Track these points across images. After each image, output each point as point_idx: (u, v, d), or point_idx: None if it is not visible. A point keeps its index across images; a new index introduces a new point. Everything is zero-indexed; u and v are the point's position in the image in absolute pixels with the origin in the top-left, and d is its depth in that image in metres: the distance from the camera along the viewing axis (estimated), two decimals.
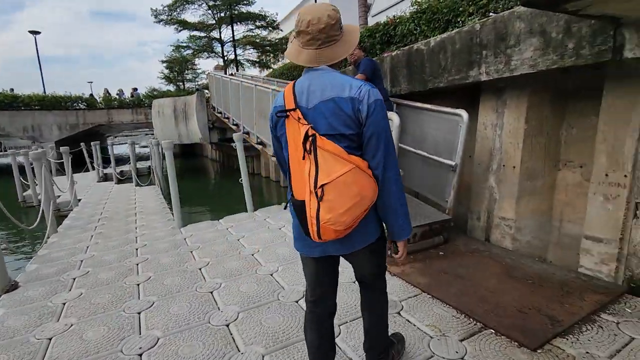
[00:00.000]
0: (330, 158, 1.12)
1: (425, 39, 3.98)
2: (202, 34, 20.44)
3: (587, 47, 2.35)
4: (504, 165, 3.31)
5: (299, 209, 1.22)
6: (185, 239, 4.23)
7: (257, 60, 21.72)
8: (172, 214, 5.08)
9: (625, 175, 2.47)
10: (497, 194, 3.40)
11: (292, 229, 1.42)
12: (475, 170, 3.64)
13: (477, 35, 3.12)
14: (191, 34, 20.03)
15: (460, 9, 3.93)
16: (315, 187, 1.12)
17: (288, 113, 1.20)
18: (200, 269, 3.24)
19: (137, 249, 3.98)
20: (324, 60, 1.22)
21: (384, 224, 1.34)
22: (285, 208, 1.41)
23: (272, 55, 20.80)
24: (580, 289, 2.45)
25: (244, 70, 21.57)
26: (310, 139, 1.13)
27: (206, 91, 13.86)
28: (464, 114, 3.13)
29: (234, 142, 5.11)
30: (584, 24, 2.34)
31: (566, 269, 2.79)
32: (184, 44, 20.56)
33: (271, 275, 2.99)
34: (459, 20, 3.93)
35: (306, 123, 1.16)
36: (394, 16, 5.51)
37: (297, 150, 1.18)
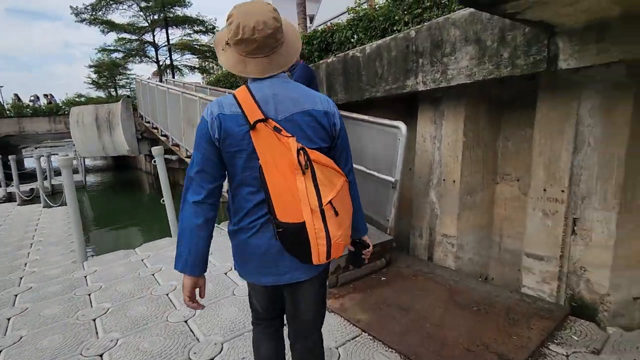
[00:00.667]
0: (327, 171, 1.06)
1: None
2: (133, 37, 18.88)
3: (522, 56, 2.22)
4: (444, 180, 3.15)
5: (292, 233, 1.06)
6: (86, 276, 3.48)
7: (198, 66, 20.60)
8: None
9: (563, 190, 2.38)
10: (438, 210, 3.22)
11: (238, 257, 1.19)
12: (415, 184, 3.45)
13: (412, 42, 2.93)
14: (120, 37, 18.38)
15: (396, 17, 3.79)
16: (320, 204, 1.02)
17: (257, 124, 1.03)
18: (94, 320, 2.58)
19: (16, 296, 3.15)
20: (276, 68, 1.10)
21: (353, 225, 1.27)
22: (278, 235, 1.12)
23: (214, 61, 19.84)
24: (526, 315, 2.28)
25: (182, 76, 20.31)
26: (302, 152, 1.01)
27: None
28: (402, 126, 2.90)
29: (170, 155, 4.42)
30: (518, 32, 2.21)
31: (509, 289, 2.65)
32: (111, 47, 18.77)
33: (185, 322, 2.45)
34: (395, 29, 3.78)
35: (289, 135, 1.03)
36: (331, 23, 5.29)
37: (282, 166, 1.02)
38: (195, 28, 19.02)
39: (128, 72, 24.21)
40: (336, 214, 1.05)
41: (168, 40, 18.31)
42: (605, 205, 2.23)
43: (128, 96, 14.37)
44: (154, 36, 18.95)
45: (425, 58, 2.83)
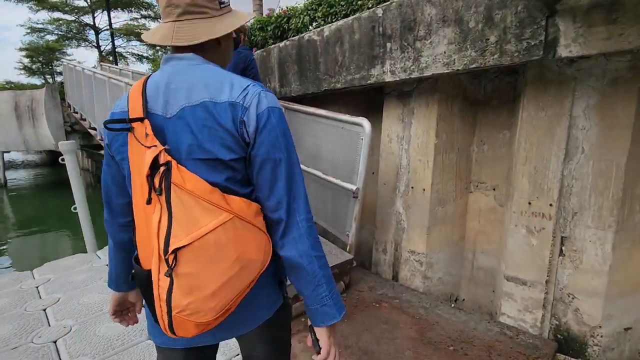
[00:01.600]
0: (192, 203, 0.69)
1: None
2: (70, 18, 16.90)
3: (512, 41, 1.81)
4: (412, 187, 2.71)
5: (143, 283, 0.76)
6: None
7: (147, 55, 18.95)
8: None
9: (551, 204, 2.02)
10: (405, 222, 2.78)
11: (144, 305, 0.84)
12: (379, 191, 2.99)
13: (379, 24, 2.45)
14: (52, 16, 16.34)
15: (360, 2, 3.30)
16: (165, 251, 0.67)
17: (131, 125, 0.74)
18: None
19: None
20: (181, 36, 0.77)
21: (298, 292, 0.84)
22: (131, 278, 0.83)
23: (165, 50, 18.32)
24: (510, 355, 1.88)
25: (127, 64, 18.52)
26: (162, 169, 0.69)
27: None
28: (365, 123, 2.40)
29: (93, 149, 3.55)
30: (509, 11, 1.80)
31: (487, 319, 2.26)
32: (40, 27, 16.62)
33: None
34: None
35: (155, 143, 0.71)
36: (286, 7, 4.72)
37: (142, 188, 0.72)
38: (143, 12, 17.49)
39: (67, 57, 21.78)
40: (168, 273, 0.69)
41: (110, 23, 16.60)
42: (600, 223, 1.89)
43: (61, 83, 12.60)
44: (94, 18, 17.11)
45: (395, 42, 2.36)
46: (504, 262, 2.28)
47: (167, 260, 0.68)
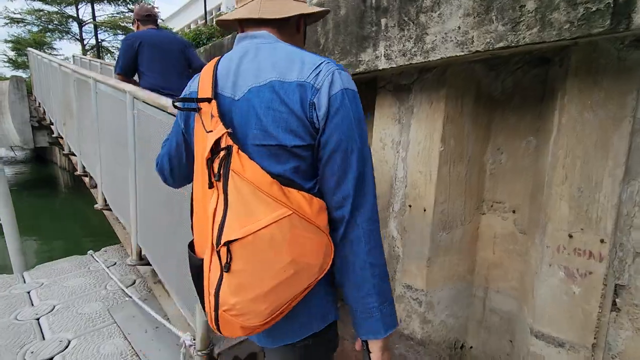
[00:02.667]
0: (250, 193, 0.64)
1: None
2: (51, 9, 16.10)
3: (562, 6, 1.25)
4: (409, 206, 2.14)
5: (195, 272, 0.73)
6: None
7: None
8: None
9: (602, 240, 1.46)
10: (400, 249, 2.21)
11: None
12: None
13: None
14: (32, 7, 15.52)
15: None
16: (218, 241, 0.63)
17: (199, 105, 0.71)
18: None
19: None
20: (268, 9, 0.75)
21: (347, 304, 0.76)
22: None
23: None
24: None
25: (113, 59, 17.74)
26: (223, 154, 0.64)
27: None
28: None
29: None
30: None
31: None
32: (18, 17, 15.79)
33: None
34: None
35: (219, 125, 0.66)
36: None
37: (202, 172, 0.69)
38: (130, 6, 16.72)
39: (55, 51, 20.89)
40: (227, 268, 0.62)
41: (94, 15, 15.85)
42: None
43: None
44: (77, 10, 16.33)
45: (392, 17, 1.80)
46: (531, 312, 1.72)
47: (218, 253, 0.64)
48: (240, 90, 0.70)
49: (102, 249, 3.41)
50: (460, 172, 2.06)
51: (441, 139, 1.97)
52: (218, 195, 0.65)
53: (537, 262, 1.71)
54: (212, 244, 0.64)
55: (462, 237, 2.13)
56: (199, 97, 0.70)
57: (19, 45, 18.75)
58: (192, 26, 20.06)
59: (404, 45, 1.76)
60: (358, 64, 2.02)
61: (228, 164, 0.64)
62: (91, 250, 3.34)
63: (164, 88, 2.24)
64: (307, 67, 0.67)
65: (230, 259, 0.62)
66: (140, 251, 2.18)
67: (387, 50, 1.85)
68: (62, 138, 4.87)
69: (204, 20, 16.16)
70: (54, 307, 2.29)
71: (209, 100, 0.68)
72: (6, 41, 19.07)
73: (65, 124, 4.26)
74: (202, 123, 0.69)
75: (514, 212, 2.01)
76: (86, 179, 3.61)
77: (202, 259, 0.68)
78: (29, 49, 8.32)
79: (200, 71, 0.78)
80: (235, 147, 0.64)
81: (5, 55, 20.31)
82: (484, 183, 2.14)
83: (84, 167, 3.60)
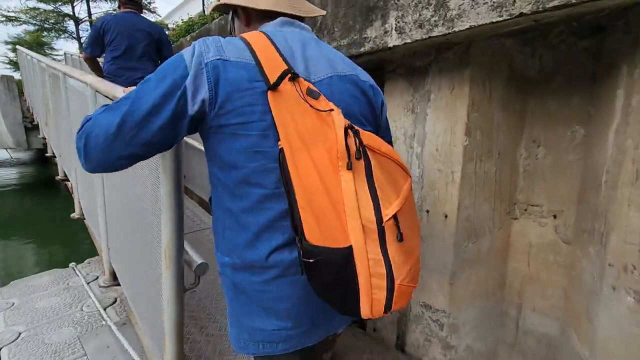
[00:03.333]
0: (389, 165, 0.68)
1: None
2: (47, 7, 15.83)
3: None
4: (427, 211, 1.81)
5: (329, 267, 0.65)
6: None
7: None
8: None
9: None
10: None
11: (247, 312, 0.76)
12: None
13: None
14: (29, 6, 15.26)
15: None
16: (379, 219, 0.63)
17: (281, 81, 0.66)
18: None
19: None
20: (300, 7, 0.83)
21: None
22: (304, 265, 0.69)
23: None
24: None
25: None
26: (351, 132, 0.65)
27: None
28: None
29: None
30: None
31: None
32: (13, 15, 15.52)
33: None
34: None
35: (332, 106, 0.67)
36: None
37: (318, 152, 0.65)
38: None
39: (55, 51, 20.67)
40: (400, 237, 0.64)
41: (89, 13, 15.55)
42: None
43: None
44: (73, 8, 16.04)
45: None
46: (586, 342, 1.39)
47: (381, 230, 0.63)
48: (316, 74, 0.73)
49: (86, 260, 3.12)
50: (488, 170, 1.72)
51: (465, 131, 1.62)
52: (354, 175, 0.63)
53: (593, 280, 1.37)
54: (363, 225, 0.63)
55: (491, 247, 1.80)
56: (268, 71, 0.66)
57: (18, 46, 18.59)
58: None
59: (420, 14, 1.41)
60: (363, 42, 1.67)
61: (362, 143, 0.64)
62: (73, 263, 3.04)
63: (127, 70, 2.23)
64: (363, 72, 0.83)
65: (399, 228, 0.64)
66: (114, 270, 1.88)
67: (399, 22, 1.49)
68: (45, 139, 4.59)
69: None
70: (20, 334, 2.00)
71: (294, 77, 0.66)
72: (6, 42, 18.91)
73: (47, 124, 3.97)
74: (305, 99, 0.66)
75: (554, 217, 1.67)
76: (69, 184, 3.33)
77: (346, 248, 0.64)
78: (18, 47, 8.03)
79: None
80: (355, 127, 0.65)
81: (7, 57, 20.18)
82: (516, 183, 1.79)
83: (64, 171, 3.31)
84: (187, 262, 1.13)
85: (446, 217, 1.72)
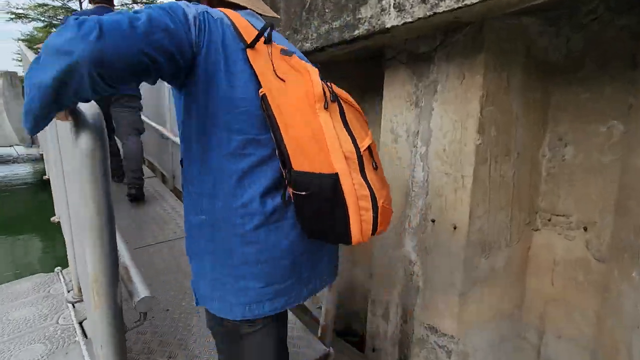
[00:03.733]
0: (354, 112, 0.78)
1: None
2: (56, 3, 15.85)
3: None
4: (433, 221, 1.56)
5: (319, 192, 0.71)
6: None
7: None
8: None
9: None
10: (421, 277, 1.64)
11: (227, 270, 0.76)
12: None
13: None
14: (35, 1, 15.26)
15: None
16: (357, 149, 0.72)
17: (256, 42, 0.74)
18: None
19: None
20: (261, 6, 0.91)
21: None
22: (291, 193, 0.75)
23: None
24: None
25: None
26: (323, 82, 0.73)
27: None
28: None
29: None
30: None
31: None
32: (21, 12, 15.58)
33: None
34: None
35: (304, 64, 0.76)
36: None
37: (295, 96, 0.73)
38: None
39: None
40: (376, 166, 0.75)
41: None
42: None
43: None
44: (80, 4, 16.02)
45: None
46: None
47: (360, 157, 0.71)
48: (282, 44, 0.80)
49: None
50: (505, 173, 1.46)
51: (478, 128, 1.37)
52: (331, 115, 0.71)
53: (636, 310, 1.12)
54: (345, 155, 0.70)
55: (508, 263, 1.55)
56: (258, 37, 0.73)
57: (31, 43, 18.76)
58: None
59: None
60: (357, 23, 1.43)
61: (332, 90, 0.73)
62: (59, 268, 2.89)
63: None
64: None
65: (374, 158, 0.74)
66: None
67: None
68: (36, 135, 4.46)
69: None
70: None
71: (268, 41, 0.74)
72: (19, 39, 19.08)
73: None
74: (281, 57, 0.75)
75: (585, 229, 1.41)
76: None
77: (333, 174, 0.70)
78: (19, 41, 7.97)
79: None
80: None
81: (19, 54, 20.38)
82: (538, 188, 1.54)
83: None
84: (130, 293, 0.92)
85: (455, 228, 1.48)
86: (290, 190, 0.74)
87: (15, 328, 2.08)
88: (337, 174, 0.69)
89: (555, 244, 1.49)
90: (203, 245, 0.78)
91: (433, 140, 1.54)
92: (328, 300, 1.41)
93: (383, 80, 1.76)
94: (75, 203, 1.04)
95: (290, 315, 1.58)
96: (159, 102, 3.27)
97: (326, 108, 0.70)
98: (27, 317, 2.20)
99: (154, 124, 3.28)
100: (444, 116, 1.49)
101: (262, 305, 0.76)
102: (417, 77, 1.58)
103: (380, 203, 0.71)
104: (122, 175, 3.26)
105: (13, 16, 16.17)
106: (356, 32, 1.47)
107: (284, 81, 0.72)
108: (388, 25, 1.30)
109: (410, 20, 1.22)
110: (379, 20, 1.33)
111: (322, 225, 0.74)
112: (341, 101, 0.74)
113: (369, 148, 0.73)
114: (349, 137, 0.71)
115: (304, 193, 0.70)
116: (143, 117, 3.55)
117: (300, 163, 0.71)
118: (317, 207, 0.72)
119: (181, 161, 0.81)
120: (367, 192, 0.71)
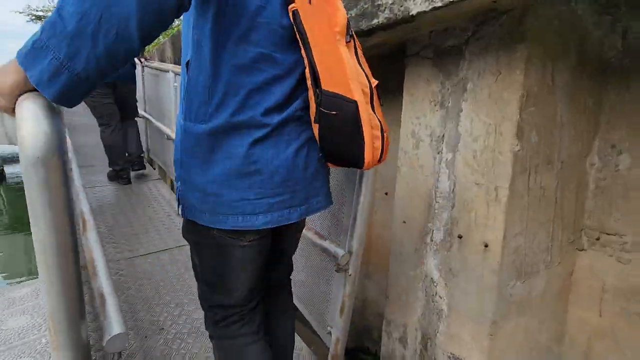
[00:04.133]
0: (360, 52, 0.85)
1: None
2: None
3: None
4: (460, 237, 1.37)
5: (344, 114, 0.75)
6: None
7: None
8: None
9: None
10: (445, 302, 1.45)
11: (219, 180, 0.76)
12: (395, 232, 1.67)
13: None
14: (54, 3, 15.62)
15: None
16: (370, 83, 0.80)
17: None
18: None
19: None
20: None
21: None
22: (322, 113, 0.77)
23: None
24: None
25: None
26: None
27: None
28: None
29: None
30: None
31: None
32: (41, 14, 15.97)
33: None
34: None
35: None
36: None
37: (322, 24, 0.75)
38: None
39: None
40: (382, 103, 0.85)
41: None
42: None
43: None
44: None
45: None
46: None
47: (371, 92, 0.79)
48: None
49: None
50: (547, 185, 1.26)
51: (516, 132, 1.18)
52: (349, 50, 0.78)
53: None
54: (361, 88, 0.76)
55: (547, 289, 1.34)
56: None
57: None
58: None
59: None
60: (376, 11, 1.25)
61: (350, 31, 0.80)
62: None
63: None
64: None
65: (379, 96, 0.83)
66: None
67: None
68: None
69: None
70: None
71: None
72: None
73: None
74: None
75: None
76: None
77: (353, 99, 0.74)
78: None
79: None
80: None
81: None
82: (584, 203, 1.33)
83: None
84: (101, 328, 0.77)
85: (486, 246, 1.28)
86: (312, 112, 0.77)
87: (6, 340, 1.97)
88: (356, 101, 0.74)
89: (604, 268, 1.28)
90: (199, 154, 0.76)
91: (461, 145, 1.35)
92: (338, 327, 1.24)
93: (401, 80, 1.58)
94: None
95: (297, 340, 1.41)
96: (163, 102, 3.17)
97: (348, 42, 0.77)
98: (21, 327, 2.09)
99: (160, 125, 3.18)
100: (474, 119, 1.30)
101: (256, 217, 0.77)
102: (444, 74, 1.40)
103: (385, 134, 0.80)
104: (128, 177, 3.16)
105: (34, 17, 16.59)
106: (374, 22, 1.30)
107: (311, 4, 0.73)
108: (413, 12, 1.12)
109: (440, 4, 1.04)
110: (401, 6, 1.16)
111: (342, 147, 0.78)
112: (356, 41, 0.82)
113: (377, 87, 0.81)
114: (363, 72, 0.79)
115: (334, 113, 0.74)
116: (149, 118, 3.49)
117: (328, 84, 0.74)
118: (342, 128, 0.76)
119: (186, 64, 0.77)
120: (378, 123, 0.78)
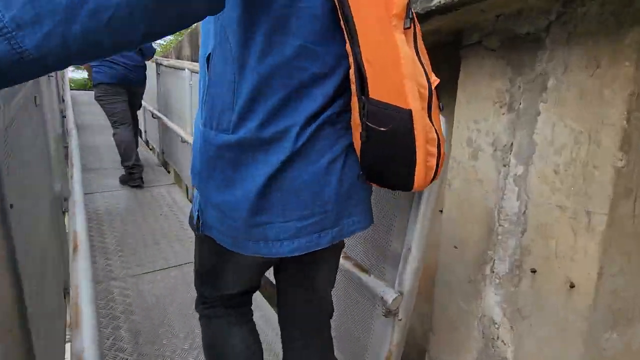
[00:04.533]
0: (420, 37, 0.66)
1: None
2: None
3: None
4: (533, 272, 1.10)
5: (404, 124, 0.62)
6: None
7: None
8: None
9: None
10: (510, 350, 1.18)
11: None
12: (441, 258, 1.41)
13: None
14: None
15: None
16: (429, 84, 0.62)
17: None
18: None
19: None
20: None
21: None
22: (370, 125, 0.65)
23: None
24: None
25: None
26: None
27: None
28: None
29: None
30: None
31: None
32: None
33: None
34: None
35: None
36: None
37: (375, 6, 0.59)
38: None
39: None
40: (442, 107, 0.67)
41: None
42: None
43: None
44: None
45: None
46: None
47: (430, 96, 0.62)
48: None
49: None
50: None
51: (621, 142, 0.91)
52: (407, 38, 0.60)
53: None
54: (419, 91, 0.61)
55: None
56: None
57: None
58: None
59: None
60: None
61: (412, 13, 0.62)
62: None
63: None
64: None
65: (439, 98, 0.65)
66: None
67: None
68: None
69: None
70: None
71: None
72: None
73: None
74: None
75: None
76: None
77: (406, 110, 0.60)
78: None
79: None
80: None
81: None
82: None
83: None
84: None
85: (572, 286, 1.01)
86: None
87: None
88: (411, 110, 0.60)
89: None
90: (220, 168, 0.65)
91: (537, 157, 1.08)
92: None
93: (454, 74, 1.32)
94: None
95: None
96: (179, 102, 3.01)
97: (408, 27, 0.59)
98: None
99: (175, 126, 3.01)
100: (557, 123, 1.03)
101: (280, 244, 0.66)
102: (514, 68, 1.13)
103: (441, 149, 0.65)
104: (140, 176, 3.05)
105: None
106: (431, 4, 1.05)
107: None
108: None
109: None
110: None
111: (387, 167, 0.66)
112: (417, 26, 0.63)
113: (436, 88, 0.64)
114: (422, 69, 0.62)
115: (383, 129, 0.61)
116: (164, 118, 3.39)
117: (377, 91, 0.61)
118: (389, 143, 0.63)
119: (207, 57, 0.64)
120: (435, 136, 0.64)
